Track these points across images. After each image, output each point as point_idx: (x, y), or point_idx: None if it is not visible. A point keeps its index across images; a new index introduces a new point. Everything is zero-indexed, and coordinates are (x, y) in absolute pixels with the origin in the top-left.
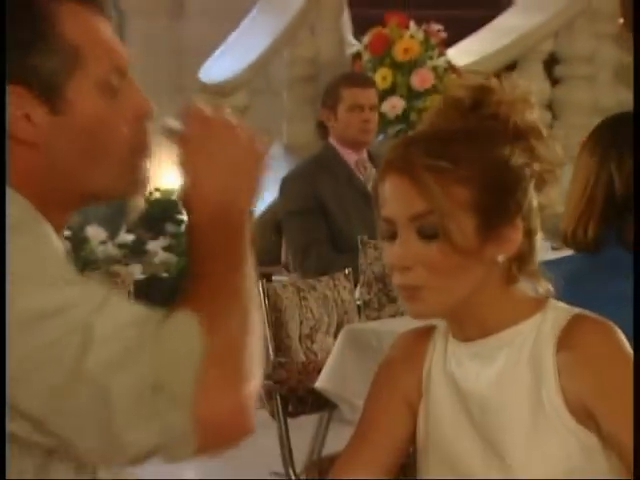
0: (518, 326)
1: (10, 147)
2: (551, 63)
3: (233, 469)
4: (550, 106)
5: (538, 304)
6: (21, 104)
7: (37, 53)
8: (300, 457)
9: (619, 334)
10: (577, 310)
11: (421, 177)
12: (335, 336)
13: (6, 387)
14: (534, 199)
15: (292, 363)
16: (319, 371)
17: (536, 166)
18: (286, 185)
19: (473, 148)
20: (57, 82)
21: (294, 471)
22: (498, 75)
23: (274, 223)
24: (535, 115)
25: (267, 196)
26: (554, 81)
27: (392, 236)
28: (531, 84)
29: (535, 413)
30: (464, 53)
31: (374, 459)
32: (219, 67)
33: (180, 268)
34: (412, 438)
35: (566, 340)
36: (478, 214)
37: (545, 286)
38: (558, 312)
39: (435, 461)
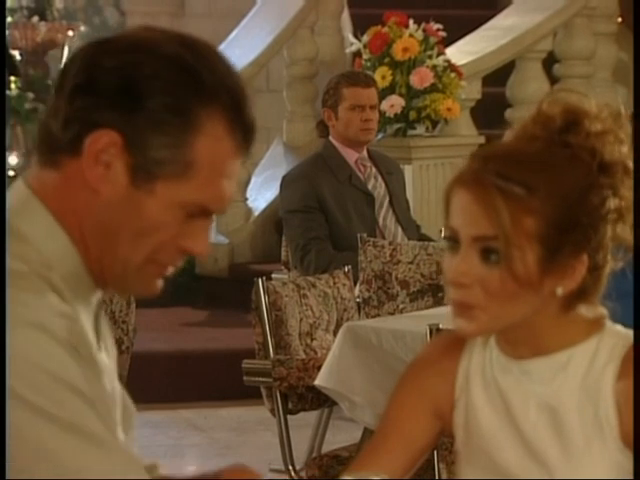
0: (573, 349)
1: (82, 176)
2: (550, 62)
3: None
4: None
5: (593, 327)
6: (111, 151)
7: (162, 135)
8: (300, 454)
9: None
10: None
11: (492, 200)
12: (335, 334)
13: (6, 386)
14: (606, 234)
15: (292, 360)
16: (319, 368)
17: (614, 202)
18: (286, 184)
19: (552, 179)
20: (155, 169)
21: (294, 468)
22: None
23: (274, 221)
24: (625, 150)
25: (267, 194)
26: (553, 80)
27: (454, 247)
28: (626, 112)
29: (590, 439)
30: (463, 52)
31: (391, 465)
32: None
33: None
34: (431, 447)
35: (627, 369)
36: (543, 247)
37: (600, 311)
38: (617, 338)
39: (478, 468)
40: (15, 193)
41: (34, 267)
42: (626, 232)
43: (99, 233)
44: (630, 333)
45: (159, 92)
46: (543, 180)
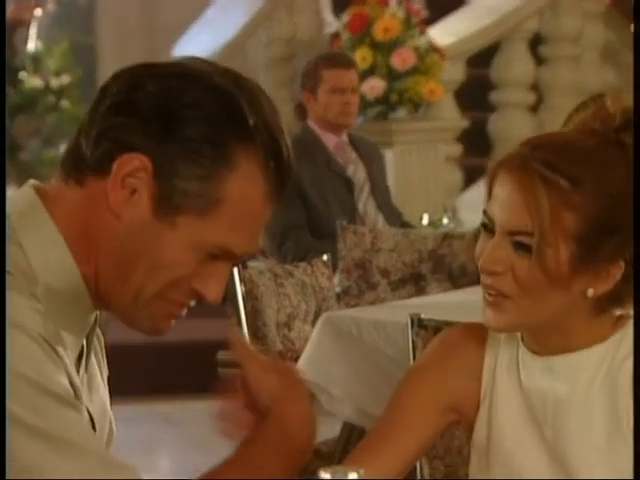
0: (597, 346)
1: (105, 197)
2: (536, 43)
3: (213, 461)
4: (535, 87)
5: (618, 323)
6: (140, 176)
7: (194, 166)
8: None
9: None
10: None
11: (534, 191)
12: (313, 324)
13: (6, 388)
14: None
15: (269, 352)
16: (297, 360)
17: None
18: None
19: (601, 176)
20: (180, 201)
21: None
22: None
23: None
24: None
25: None
26: (539, 61)
27: (490, 230)
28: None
29: (611, 435)
30: (446, 32)
31: (395, 457)
32: (194, 46)
33: None
34: (437, 438)
35: (633, 359)
36: (578, 245)
37: (628, 311)
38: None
39: (497, 469)
40: (22, 198)
41: (18, 270)
42: None
43: (113, 258)
44: None
45: (198, 121)
46: (591, 176)
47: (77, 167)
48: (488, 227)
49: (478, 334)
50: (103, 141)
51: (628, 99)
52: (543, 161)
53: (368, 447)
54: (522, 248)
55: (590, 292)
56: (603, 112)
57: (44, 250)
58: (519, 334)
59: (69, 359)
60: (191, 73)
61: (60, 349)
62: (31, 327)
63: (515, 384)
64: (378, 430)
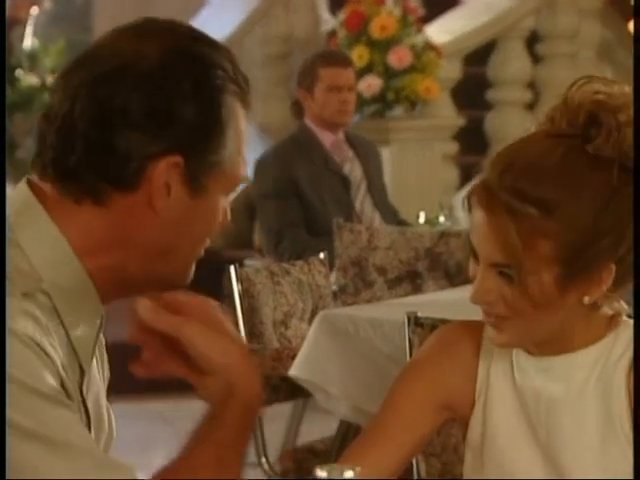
0: (592, 347)
1: (137, 208)
2: (532, 41)
3: None
4: (531, 85)
5: (611, 323)
6: (174, 174)
7: (207, 140)
8: (274, 446)
9: None
10: None
11: (504, 226)
12: (310, 322)
13: (6, 387)
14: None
15: (265, 350)
16: (293, 358)
17: None
18: (260, 167)
19: (572, 194)
20: (208, 172)
21: (268, 461)
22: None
23: (247, 206)
24: None
25: None
26: (535, 59)
27: (475, 255)
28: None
29: (605, 436)
30: (442, 31)
31: (390, 455)
32: None
33: None
34: (432, 436)
35: (633, 357)
36: (562, 267)
37: (619, 307)
38: (632, 332)
39: (491, 467)
40: (18, 196)
41: (13, 269)
42: None
43: (152, 249)
44: None
45: (190, 100)
46: (562, 197)
47: (93, 192)
48: (475, 254)
49: (474, 331)
50: (127, 162)
51: (573, 90)
52: (509, 190)
53: (364, 443)
54: (507, 277)
55: (586, 300)
56: (569, 108)
57: (42, 246)
58: None
59: (83, 355)
60: (129, 65)
61: (51, 351)
62: (21, 331)
63: (509, 383)
64: (374, 426)
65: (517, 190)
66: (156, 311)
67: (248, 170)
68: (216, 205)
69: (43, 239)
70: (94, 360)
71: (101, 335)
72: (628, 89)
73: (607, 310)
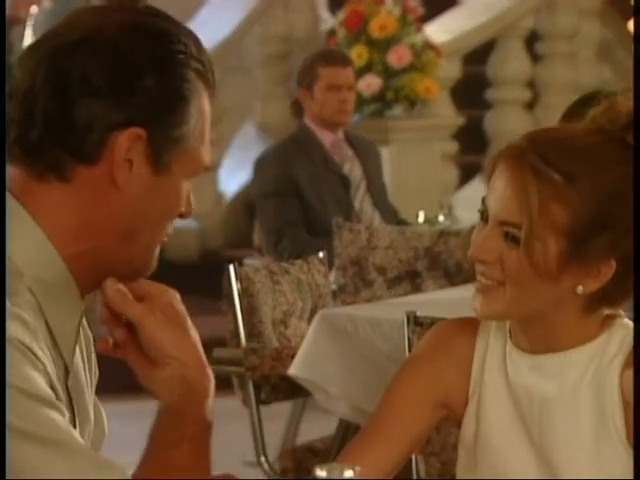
0: (585, 346)
1: (100, 183)
2: (532, 40)
3: None
4: (531, 85)
5: (606, 322)
6: (137, 147)
7: (170, 115)
8: (273, 446)
9: None
10: None
11: (525, 183)
12: (309, 321)
13: (6, 386)
14: None
15: (265, 349)
16: (293, 357)
17: None
18: (260, 166)
19: (596, 173)
20: (172, 149)
21: (267, 460)
22: None
23: (247, 205)
24: None
25: (240, 177)
26: (535, 59)
27: (486, 219)
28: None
29: (598, 436)
30: (442, 30)
31: (387, 453)
32: None
33: None
34: (430, 433)
35: (633, 359)
36: (569, 241)
37: (618, 310)
38: (627, 331)
39: (484, 467)
40: None
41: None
42: None
43: (120, 229)
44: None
45: (156, 73)
46: (587, 173)
47: (55, 166)
48: (484, 216)
49: (470, 329)
50: (88, 133)
51: (622, 97)
52: (538, 153)
53: (361, 442)
54: (511, 239)
55: (580, 289)
56: (613, 110)
57: (23, 242)
58: (507, 330)
59: (66, 350)
60: (89, 37)
61: (40, 352)
62: (11, 335)
63: (503, 381)
64: (371, 425)
65: (545, 156)
66: (122, 294)
67: (248, 170)
68: (179, 187)
69: (22, 235)
70: (79, 357)
71: (89, 333)
72: None
73: (603, 310)
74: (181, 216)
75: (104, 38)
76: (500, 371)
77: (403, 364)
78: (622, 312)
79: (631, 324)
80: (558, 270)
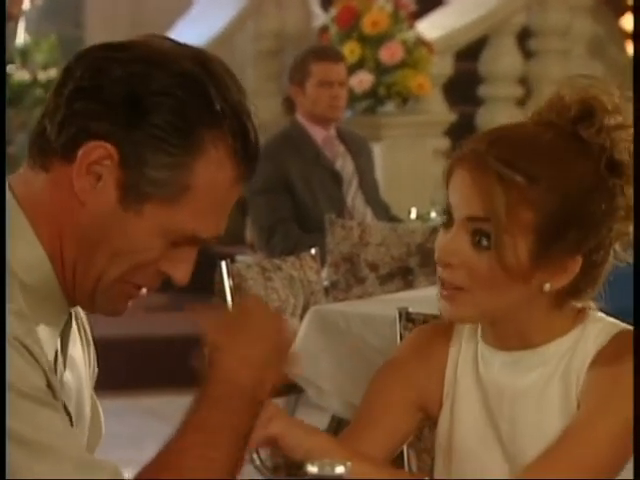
0: (557, 341)
1: (68, 183)
2: (524, 37)
3: None
4: (523, 81)
5: (578, 317)
6: (105, 164)
7: (162, 155)
8: None
9: None
10: (625, 327)
11: (489, 185)
12: (301, 318)
13: (6, 385)
14: (609, 234)
15: None
16: None
17: (620, 201)
18: None
19: (557, 172)
20: (148, 189)
21: (259, 456)
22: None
23: (239, 202)
24: None
25: None
26: (527, 55)
27: (449, 224)
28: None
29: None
30: (434, 26)
31: (369, 455)
32: (181, 40)
33: None
34: (410, 436)
35: (602, 358)
36: (537, 240)
37: (588, 304)
38: (601, 326)
39: (458, 466)
40: None
41: None
42: (630, 230)
43: (77, 244)
44: (614, 321)
45: (165, 109)
46: (547, 172)
47: (42, 152)
48: (447, 219)
49: (445, 333)
50: (68, 126)
51: (587, 87)
52: (499, 158)
53: (343, 442)
54: (481, 241)
55: (547, 287)
56: (559, 103)
57: (17, 246)
58: (479, 330)
59: (45, 357)
60: (157, 58)
61: (36, 350)
62: (7, 331)
63: (474, 380)
64: (351, 427)
65: (505, 159)
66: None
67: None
68: (148, 237)
69: (19, 240)
70: (79, 354)
71: (88, 330)
72: (617, 98)
73: (574, 304)
74: (166, 276)
75: (145, 58)
76: (472, 371)
77: (380, 368)
78: (592, 304)
79: (606, 318)
80: (529, 269)
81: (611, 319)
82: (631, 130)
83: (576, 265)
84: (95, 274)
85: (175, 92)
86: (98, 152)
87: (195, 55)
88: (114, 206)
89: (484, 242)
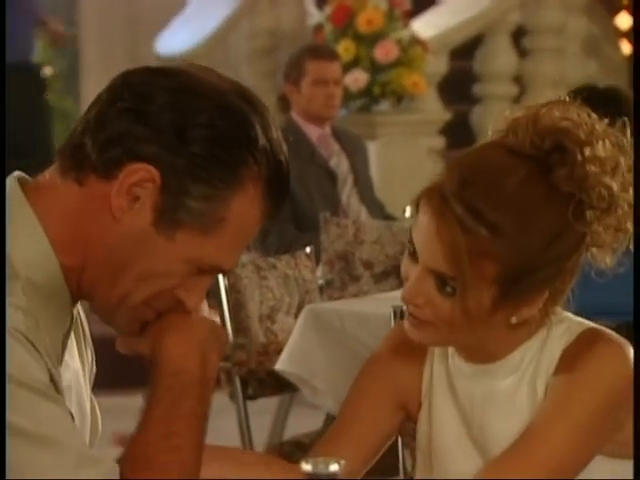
0: (521, 347)
1: (105, 206)
2: (518, 35)
3: None
4: (518, 80)
5: (542, 320)
6: (147, 187)
7: (203, 185)
8: (260, 441)
9: (627, 359)
10: (590, 325)
11: (454, 241)
12: (296, 316)
13: (6, 384)
14: (576, 265)
15: (252, 344)
16: (280, 352)
17: (592, 236)
18: None
19: (523, 222)
20: (183, 217)
21: None
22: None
23: None
24: (618, 181)
25: None
26: (522, 54)
27: (414, 256)
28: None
29: None
30: (429, 25)
31: (353, 453)
32: (176, 38)
33: None
34: (394, 434)
35: (566, 357)
36: (501, 289)
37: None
38: (566, 326)
39: (437, 467)
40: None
41: None
42: (603, 257)
43: (105, 259)
44: (579, 320)
45: (210, 141)
46: (513, 223)
47: (79, 166)
48: (412, 253)
49: None
50: (113, 147)
51: (544, 111)
52: (465, 203)
53: (327, 441)
54: (445, 288)
55: (514, 320)
56: (535, 129)
57: (25, 244)
58: None
59: (50, 354)
60: (205, 91)
61: (40, 344)
62: (11, 324)
63: (447, 384)
64: (336, 424)
65: (473, 208)
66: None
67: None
68: (175, 262)
69: (27, 238)
70: (78, 352)
71: (87, 329)
72: (598, 125)
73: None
74: (180, 303)
75: (189, 85)
76: (445, 375)
77: (365, 364)
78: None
79: (571, 317)
80: (492, 312)
81: (577, 318)
82: (605, 160)
83: (543, 298)
84: (120, 293)
85: (221, 126)
86: (141, 174)
87: (238, 89)
88: (148, 228)
89: (448, 289)
